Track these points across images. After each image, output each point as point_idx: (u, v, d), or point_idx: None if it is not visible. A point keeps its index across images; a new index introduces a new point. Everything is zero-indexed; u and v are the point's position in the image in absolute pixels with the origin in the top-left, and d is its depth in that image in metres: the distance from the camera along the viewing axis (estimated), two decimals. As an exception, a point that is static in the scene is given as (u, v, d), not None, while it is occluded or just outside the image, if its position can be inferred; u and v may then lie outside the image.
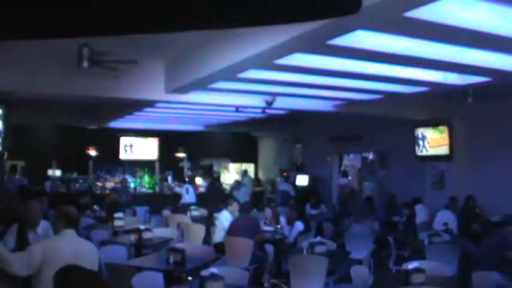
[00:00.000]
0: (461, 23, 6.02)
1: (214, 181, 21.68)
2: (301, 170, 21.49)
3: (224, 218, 10.97)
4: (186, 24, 1.42)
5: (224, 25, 1.48)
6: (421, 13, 5.56)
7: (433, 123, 14.91)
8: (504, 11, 6.00)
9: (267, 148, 25.54)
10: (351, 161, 22.38)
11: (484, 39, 6.70)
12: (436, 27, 5.98)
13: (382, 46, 7.21)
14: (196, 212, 14.68)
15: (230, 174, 25.05)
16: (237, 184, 19.99)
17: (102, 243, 9.25)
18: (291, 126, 19.96)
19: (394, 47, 7.28)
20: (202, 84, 10.49)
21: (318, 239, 9.70)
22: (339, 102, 13.11)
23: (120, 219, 11.79)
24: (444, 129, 14.71)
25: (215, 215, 12.15)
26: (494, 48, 7.56)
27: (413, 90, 10.97)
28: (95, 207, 13.66)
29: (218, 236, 10.73)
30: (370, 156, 19.86)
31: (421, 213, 13.37)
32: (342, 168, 22.09)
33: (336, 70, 8.95)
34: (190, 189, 18.31)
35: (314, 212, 15.30)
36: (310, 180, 20.64)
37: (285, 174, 21.17)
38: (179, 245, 8.27)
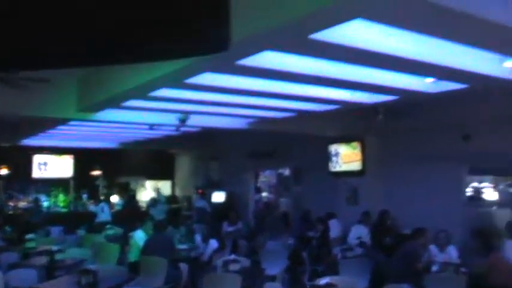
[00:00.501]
0: (366, 45, 6.17)
1: (130, 199, 21.42)
2: (217, 187, 21.49)
3: (138, 237, 10.84)
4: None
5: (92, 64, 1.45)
6: (326, 35, 5.67)
7: (345, 140, 15.18)
8: (405, 35, 6.20)
9: (183, 165, 25.46)
10: (267, 177, 22.53)
11: (387, 61, 6.89)
12: (341, 48, 6.11)
13: (290, 66, 7.32)
14: (111, 231, 14.45)
15: (147, 191, 24.79)
16: (153, 201, 19.84)
17: (10, 267, 8.97)
18: (206, 143, 19.96)
19: (302, 67, 7.41)
20: (115, 103, 10.37)
21: (232, 256, 9.73)
22: (252, 120, 13.22)
23: (32, 240, 11.48)
24: (357, 145, 15.00)
25: (130, 234, 11.99)
26: (397, 68, 7.80)
27: (324, 108, 11.18)
28: (7, 228, 13.24)
29: (133, 255, 10.59)
30: (286, 172, 20.06)
31: (334, 228, 13.61)
32: (258, 184, 22.23)
33: (246, 89, 9.02)
34: (106, 208, 18.04)
35: (230, 228, 15.31)
36: (227, 197, 20.67)
37: (200, 191, 21.16)
38: (92, 266, 8.13)
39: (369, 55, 6.47)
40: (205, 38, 1.41)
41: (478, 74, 7.64)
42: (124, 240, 12.65)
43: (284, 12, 5.03)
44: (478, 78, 7.81)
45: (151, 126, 13.61)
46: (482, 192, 14.55)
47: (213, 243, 11.81)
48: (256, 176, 21.85)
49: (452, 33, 6.05)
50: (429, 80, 8.74)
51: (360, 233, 12.94)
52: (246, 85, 8.76)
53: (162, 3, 1.33)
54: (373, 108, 11.28)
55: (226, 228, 15.09)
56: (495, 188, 14.60)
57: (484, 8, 5.07)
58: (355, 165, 14.98)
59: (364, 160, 14.86)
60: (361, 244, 12.38)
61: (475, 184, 14.47)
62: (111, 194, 22.18)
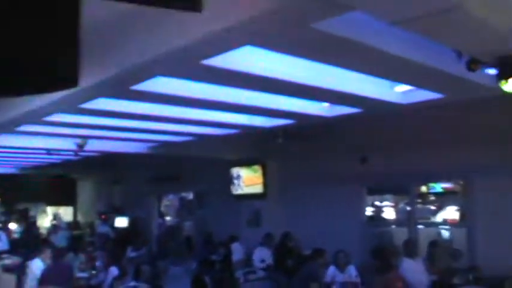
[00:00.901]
0: (257, 71, 6.23)
1: (29, 226, 20.66)
2: (120, 212, 21.06)
3: (35, 266, 10.41)
4: None
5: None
6: (218, 61, 5.67)
7: (247, 163, 15.26)
8: (297, 61, 6.30)
9: (85, 190, 24.89)
10: (170, 200, 22.30)
11: (280, 86, 6.96)
12: (233, 74, 6.14)
13: (184, 91, 7.29)
14: (8, 261, 13.80)
15: (48, 217, 23.98)
16: (54, 228, 19.22)
17: None
18: (108, 168, 19.58)
19: (196, 91, 7.39)
20: (8, 128, 10.00)
21: (133, 283, 9.50)
22: (152, 144, 13.06)
23: None
24: (258, 168, 15.10)
25: (27, 263, 11.51)
26: (291, 93, 7.90)
27: (222, 132, 11.19)
28: None
29: (30, 286, 10.16)
30: (190, 195, 19.94)
31: (237, 251, 13.59)
32: (161, 208, 21.98)
33: (143, 114, 8.92)
34: (3, 236, 17.24)
35: (133, 254, 14.98)
36: (130, 222, 20.30)
37: (103, 216, 20.70)
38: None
39: (261, 80, 6.53)
40: (55, 76, 1.46)
41: (370, 99, 7.84)
42: (21, 270, 12.13)
43: (174, 38, 4.99)
44: (370, 102, 8.01)
45: (49, 151, 13.21)
46: (382, 212, 14.93)
47: (114, 271, 11.48)
48: (160, 200, 21.58)
49: (342, 61, 6.21)
50: (325, 104, 8.92)
51: (263, 255, 12.96)
52: (142, 110, 8.65)
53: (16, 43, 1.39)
54: (273, 131, 11.37)
55: (130, 253, 14.76)
56: (395, 207, 15.01)
57: (372, 37, 5.21)
58: (257, 188, 15.06)
59: (266, 183, 14.97)
60: (267, 267, 12.42)
61: (377, 203, 14.82)
62: (9, 221, 21.28)
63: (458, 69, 5.57)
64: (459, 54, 5.18)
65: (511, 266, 9.54)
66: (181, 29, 4.84)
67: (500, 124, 9.73)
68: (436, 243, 11.20)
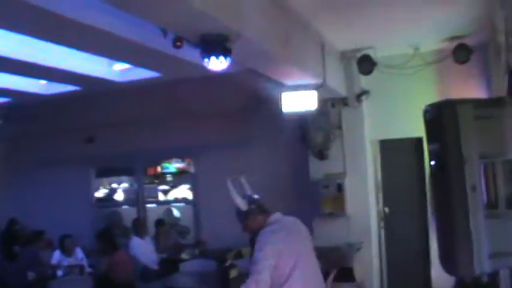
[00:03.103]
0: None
1: None
2: None
3: None
4: None
5: None
6: None
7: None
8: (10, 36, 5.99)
9: None
10: None
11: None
12: None
13: None
14: None
15: None
16: None
17: None
18: None
19: None
20: None
21: None
22: None
23: None
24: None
25: None
26: (3, 69, 7.49)
27: None
28: None
29: None
30: None
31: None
32: None
33: None
34: None
35: None
36: None
37: None
38: None
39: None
40: None
41: (88, 76, 7.73)
42: None
43: None
44: (88, 80, 7.90)
45: None
46: (115, 193, 14.83)
47: None
48: None
49: (55, 37, 6.02)
50: (42, 82, 8.60)
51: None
52: None
53: None
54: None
55: None
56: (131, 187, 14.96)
57: (83, 14, 5.10)
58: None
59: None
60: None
61: (114, 185, 14.62)
62: None
63: (170, 47, 5.66)
64: (165, 32, 5.27)
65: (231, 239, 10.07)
66: None
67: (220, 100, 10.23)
68: (161, 222, 11.43)
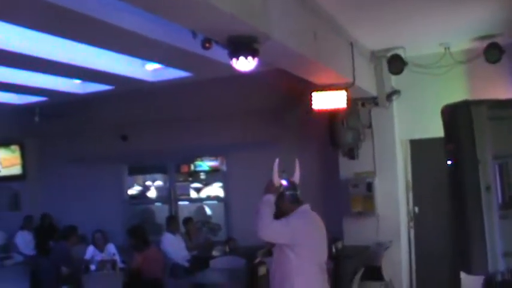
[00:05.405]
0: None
1: None
2: None
3: None
4: None
5: None
6: None
7: (4, 143, 14.47)
8: (46, 37, 6.13)
9: None
10: None
11: (25, 61, 6.75)
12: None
13: None
14: None
15: None
16: None
17: None
18: None
19: None
20: None
21: None
22: None
23: None
24: (16, 148, 14.43)
25: None
26: (39, 69, 7.67)
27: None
28: None
29: None
30: None
31: (-4, 237, 12.99)
32: None
33: None
34: None
35: None
36: None
37: None
38: None
39: (3, 55, 6.24)
40: None
41: (121, 76, 7.86)
42: None
43: None
44: (121, 80, 8.04)
45: None
46: (148, 190, 14.99)
47: None
48: None
49: (89, 38, 6.14)
50: (77, 81, 8.77)
51: (25, 238, 12.58)
52: None
53: None
54: (29, 109, 10.91)
55: None
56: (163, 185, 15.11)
57: (111, 15, 5.22)
58: (16, 170, 14.40)
59: (25, 163, 14.35)
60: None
61: (148, 183, 14.78)
62: None
63: (200, 48, 5.75)
64: (194, 34, 5.36)
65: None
66: None
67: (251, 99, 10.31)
68: (189, 220, 11.50)
